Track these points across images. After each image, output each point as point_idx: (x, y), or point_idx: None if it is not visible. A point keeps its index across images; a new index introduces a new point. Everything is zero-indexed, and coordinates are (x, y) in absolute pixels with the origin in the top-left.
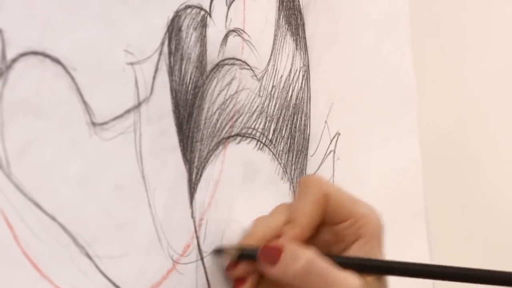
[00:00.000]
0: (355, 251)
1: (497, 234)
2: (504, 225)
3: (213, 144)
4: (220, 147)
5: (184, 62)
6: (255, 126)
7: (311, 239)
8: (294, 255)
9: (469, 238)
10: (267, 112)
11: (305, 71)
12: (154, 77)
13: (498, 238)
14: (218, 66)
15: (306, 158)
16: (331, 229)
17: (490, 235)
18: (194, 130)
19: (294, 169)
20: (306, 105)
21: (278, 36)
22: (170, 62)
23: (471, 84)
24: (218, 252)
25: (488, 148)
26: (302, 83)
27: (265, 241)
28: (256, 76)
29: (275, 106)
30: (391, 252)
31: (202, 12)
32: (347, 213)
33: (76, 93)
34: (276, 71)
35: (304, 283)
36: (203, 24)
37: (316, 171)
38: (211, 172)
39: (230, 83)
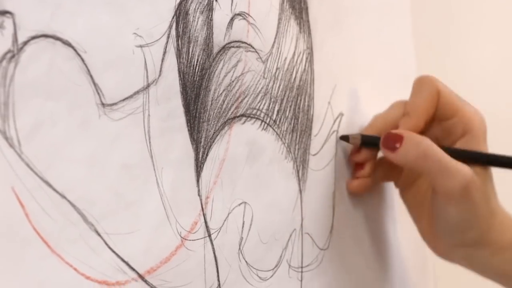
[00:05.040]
0: (462, 145)
1: None
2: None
3: (219, 124)
4: (226, 127)
5: (191, 45)
6: (259, 107)
7: (422, 134)
8: (414, 141)
9: None
10: (271, 93)
11: (308, 53)
12: (162, 60)
13: None
14: (224, 48)
15: (310, 138)
16: (440, 124)
17: None
18: (201, 110)
19: (298, 149)
20: (310, 87)
21: (282, 20)
22: (178, 44)
23: (471, 66)
24: (343, 138)
25: (489, 130)
26: (305, 65)
27: (384, 131)
28: (261, 58)
29: (279, 87)
30: (387, 232)
31: None
32: (455, 110)
33: (86, 75)
34: (280, 53)
35: (421, 166)
36: (209, 8)
37: (320, 150)
38: (217, 151)
39: (236, 65)
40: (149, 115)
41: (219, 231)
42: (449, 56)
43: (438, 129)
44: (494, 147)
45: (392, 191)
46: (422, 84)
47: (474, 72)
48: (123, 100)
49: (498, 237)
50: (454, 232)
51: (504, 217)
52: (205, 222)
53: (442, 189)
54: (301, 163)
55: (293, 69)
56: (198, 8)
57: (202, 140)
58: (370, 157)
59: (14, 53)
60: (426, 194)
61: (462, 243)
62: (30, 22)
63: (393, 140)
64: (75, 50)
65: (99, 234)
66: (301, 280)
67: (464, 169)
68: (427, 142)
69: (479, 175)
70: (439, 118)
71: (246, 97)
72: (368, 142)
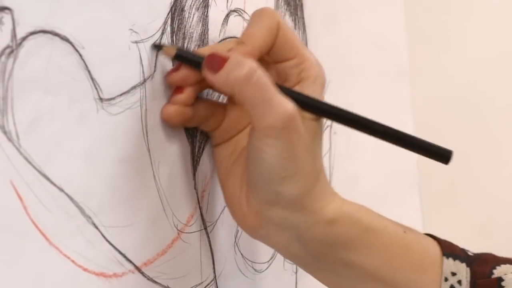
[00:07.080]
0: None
1: (488, 204)
2: (495, 195)
3: None
4: None
5: (186, 41)
6: None
7: None
8: (239, 62)
9: (461, 209)
10: None
11: None
12: (157, 55)
13: (489, 208)
14: None
15: None
16: (276, 67)
17: (481, 205)
18: None
19: None
20: None
21: None
22: (172, 41)
23: (463, 60)
24: (157, 47)
25: (481, 121)
26: None
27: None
28: None
29: None
30: None
31: None
32: (294, 51)
33: (84, 70)
34: None
35: (243, 92)
36: (205, 5)
37: None
38: None
39: None
40: (146, 109)
41: (215, 224)
42: (442, 53)
43: (273, 72)
44: (495, 141)
45: (387, 188)
46: (261, 15)
47: (468, 68)
48: (121, 95)
49: (319, 204)
50: (270, 179)
51: (327, 186)
52: (201, 215)
53: (262, 122)
54: None
55: None
56: (194, 4)
57: (198, 134)
58: (191, 80)
59: (13, 49)
60: (243, 151)
61: (278, 200)
62: (28, 18)
63: (217, 61)
64: (73, 45)
65: (96, 227)
66: (296, 272)
67: (287, 104)
68: (252, 65)
69: (307, 121)
70: (275, 57)
71: None
72: (189, 60)
